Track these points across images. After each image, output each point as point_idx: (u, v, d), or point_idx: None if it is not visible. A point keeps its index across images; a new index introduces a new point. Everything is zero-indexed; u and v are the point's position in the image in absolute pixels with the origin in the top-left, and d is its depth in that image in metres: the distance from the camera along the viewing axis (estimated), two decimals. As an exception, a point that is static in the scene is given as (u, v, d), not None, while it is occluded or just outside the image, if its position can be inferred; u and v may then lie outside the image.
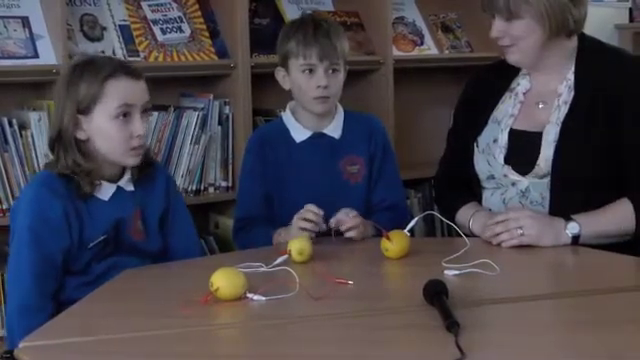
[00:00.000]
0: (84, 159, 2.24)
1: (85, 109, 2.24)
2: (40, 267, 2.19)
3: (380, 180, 2.67)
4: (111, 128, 2.23)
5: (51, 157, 2.34)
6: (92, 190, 2.26)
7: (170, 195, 2.46)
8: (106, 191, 2.29)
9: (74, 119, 2.24)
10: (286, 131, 2.65)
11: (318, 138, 2.64)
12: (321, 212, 2.42)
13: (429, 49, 3.82)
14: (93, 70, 2.25)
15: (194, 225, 2.54)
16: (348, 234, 2.44)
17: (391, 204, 2.61)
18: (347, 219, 2.43)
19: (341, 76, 2.60)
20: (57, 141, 2.27)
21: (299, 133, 2.64)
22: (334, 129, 2.65)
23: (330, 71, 2.56)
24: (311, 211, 2.42)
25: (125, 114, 2.24)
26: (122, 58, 2.95)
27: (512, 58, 2.50)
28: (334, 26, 2.64)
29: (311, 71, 2.56)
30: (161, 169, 2.53)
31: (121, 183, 2.33)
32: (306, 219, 2.41)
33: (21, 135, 2.79)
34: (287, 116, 2.67)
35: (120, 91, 2.24)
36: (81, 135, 2.25)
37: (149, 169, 2.39)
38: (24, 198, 2.28)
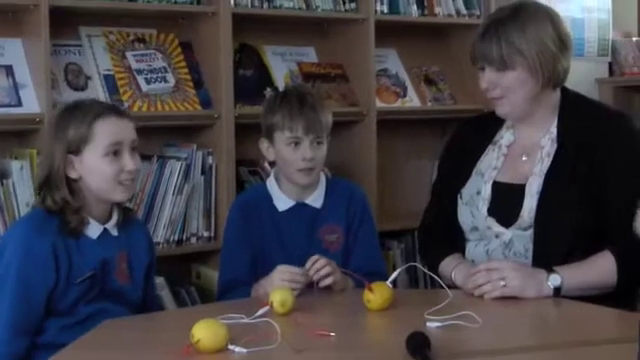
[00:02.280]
0: (73, 197, 2.31)
1: (75, 150, 2.31)
2: (21, 307, 2.23)
3: (356, 247, 2.68)
4: (102, 165, 2.31)
5: (34, 202, 2.41)
6: (81, 227, 2.32)
7: (153, 251, 2.56)
8: (94, 230, 2.35)
9: (64, 159, 2.31)
10: (269, 199, 2.67)
11: (300, 208, 2.66)
12: (297, 270, 2.42)
13: (412, 101, 3.84)
14: (81, 112, 2.34)
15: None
16: (323, 283, 2.43)
17: (369, 271, 2.51)
18: (319, 266, 2.43)
19: (324, 147, 2.63)
20: (45, 182, 2.34)
21: (282, 202, 2.66)
22: (316, 199, 2.67)
23: (315, 143, 2.58)
24: (286, 272, 2.41)
25: (115, 152, 2.32)
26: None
27: (501, 110, 2.51)
28: (318, 99, 2.67)
29: (297, 144, 2.58)
30: (141, 223, 2.67)
31: (108, 226, 2.38)
32: (284, 279, 2.40)
33: (2, 184, 2.78)
34: (271, 183, 2.69)
35: (108, 130, 2.32)
36: (73, 174, 2.33)
37: (130, 217, 2.49)
38: (12, 235, 2.32)
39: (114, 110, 2.37)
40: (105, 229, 2.37)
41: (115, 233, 2.40)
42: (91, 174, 2.32)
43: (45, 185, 2.34)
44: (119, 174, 2.32)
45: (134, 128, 2.38)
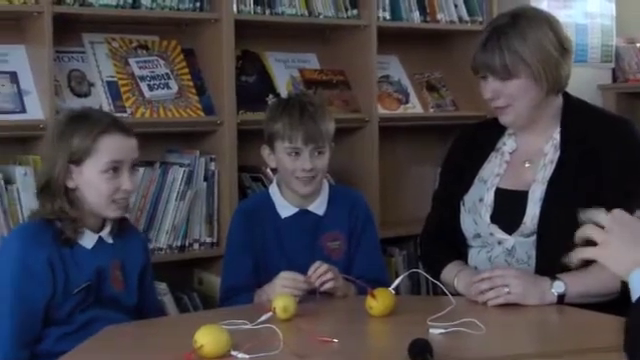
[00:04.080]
0: (70, 207, 2.30)
1: (77, 160, 2.30)
2: (21, 321, 2.22)
3: (358, 254, 2.68)
4: (99, 181, 2.30)
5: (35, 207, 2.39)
6: (75, 237, 2.31)
7: (148, 254, 2.56)
8: (89, 240, 2.35)
9: (65, 168, 2.30)
10: (272, 206, 2.67)
11: (303, 215, 2.66)
12: (299, 276, 2.42)
13: (414, 107, 3.85)
14: (87, 124, 2.32)
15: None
16: (325, 287, 2.43)
17: (371, 278, 2.48)
18: (321, 272, 2.43)
19: (326, 156, 2.63)
20: (45, 188, 2.33)
21: (285, 209, 2.66)
22: (319, 206, 2.67)
23: (315, 153, 2.59)
24: (289, 278, 2.41)
25: (114, 169, 2.31)
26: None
27: (506, 119, 2.51)
28: (320, 108, 2.65)
29: (297, 154, 2.58)
30: (136, 230, 2.65)
31: (102, 234, 2.38)
32: (286, 286, 2.41)
33: (6, 189, 2.79)
34: (273, 190, 2.70)
35: (111, 147, 2.31)
36: (70, 184, 2.32)
37: (124, 224, 2.48)
38: (6, 249, 2.30)
39: (121, 127, 2.36)
40: (100, 237, 2.37)
41: (110, 241, 2.40)
42: (88, 187, 2.32)
43: (44, 192, 2.34)
44: (115, 192, 2.32)
45: (137, 147, 2.38)
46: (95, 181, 2.30)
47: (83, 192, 2.32)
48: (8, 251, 2.27)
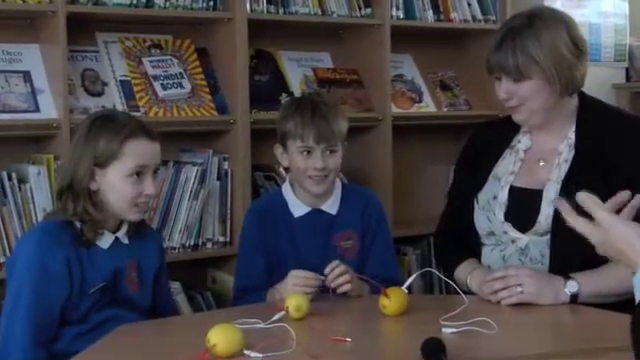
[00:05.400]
0: (94, 209, 2.31)
1: (102, 163, 2.31)
2: (38, 320, 2.23)
3: (372, 253, 2.68)
4: (123, 185, 2.31)
5: (52, 208, 2.38)
6: (95, 238, 2.32)
7: (163, 255, 2.56)
8: (106, 240, 2.36)
9: (89, 171, 2.30)
10: (285, 205, 2.68)
11: (316, 214, 2.67)
12: (309, 274, 2.42)
13: (427, 106, 3.84)
14: (114, 127, 2.32)
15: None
16: (341, 289, 2.43)
17: (384, 278, 2.49)
18: (338, 272, 2.43)
19: (339, 155, 2.63)
20: (67, 189, 2.33)
21: (297, 209, 2.67)
22: (331, 205, 2.67)
23: (327, 152, 2.59)
24: (299, 277, 2.42)
25: (138, 173, 2.32)
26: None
27: (519, 117, 2.51)
28: (332, 108, 2.65)
29: (308, 152, 2.58)
30: (153, 231, 2.65)
31: (119, 234, 2.39)
32: (297, 284, 2.41)
33: (20, 189, 2.79)
34: (286, 189, 2.70)
35: (137, 152, 2.31)
36: (93, 186, 2.33)
37: (141, 224, 2.47)
38: (24, 248, 2.30)
39: (147, 132, 2.35)
40: (116, 238, 2.38)
41: (126, 241, 2.40)
42: (111, 190, 2.32)
43: (66, 193, 2.33)
44: (138, 197, 2.33)
45: (160, 152, 2.38)
46: (119, 185, 2.31)
47: (105, 195, 2.33)
48: (26, 251, 2.28)
